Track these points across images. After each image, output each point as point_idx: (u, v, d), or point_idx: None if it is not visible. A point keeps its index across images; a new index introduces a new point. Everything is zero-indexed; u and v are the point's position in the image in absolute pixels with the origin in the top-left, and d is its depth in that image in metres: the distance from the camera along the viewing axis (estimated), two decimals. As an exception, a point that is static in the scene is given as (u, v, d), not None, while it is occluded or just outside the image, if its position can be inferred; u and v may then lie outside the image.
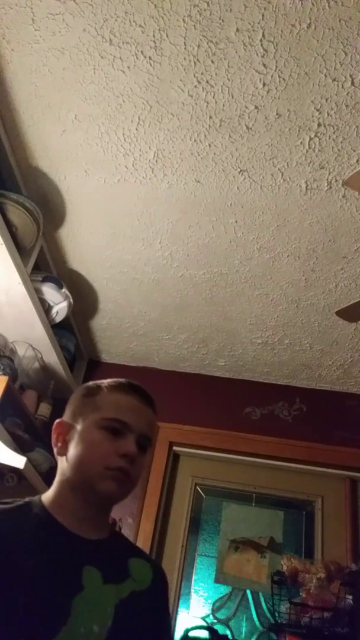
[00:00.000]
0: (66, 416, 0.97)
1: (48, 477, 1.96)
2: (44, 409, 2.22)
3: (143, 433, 0.91)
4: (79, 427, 0.92)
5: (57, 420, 0.96)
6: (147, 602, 0.89)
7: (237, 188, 1.60)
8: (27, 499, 0.90)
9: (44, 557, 0.79)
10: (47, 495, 0.91)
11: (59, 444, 0.93)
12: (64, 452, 0.92)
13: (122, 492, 0.89)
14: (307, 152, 1.45)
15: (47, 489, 0.92)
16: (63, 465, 0.91)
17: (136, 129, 1.48)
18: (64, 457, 0.91)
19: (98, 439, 0.88)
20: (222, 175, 1.57)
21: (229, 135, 1.45)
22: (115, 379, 0.98)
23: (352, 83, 1.27)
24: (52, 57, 1.33)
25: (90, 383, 0.99)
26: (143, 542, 2.16)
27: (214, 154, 1.51)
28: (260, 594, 2.20)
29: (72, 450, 0.90)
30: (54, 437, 0.94)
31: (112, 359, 2.74)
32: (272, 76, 1.28)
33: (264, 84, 1.30)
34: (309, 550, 2.28)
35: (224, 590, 2.23)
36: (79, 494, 0.88)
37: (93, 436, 0.89)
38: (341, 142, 1.41)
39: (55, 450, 0.94)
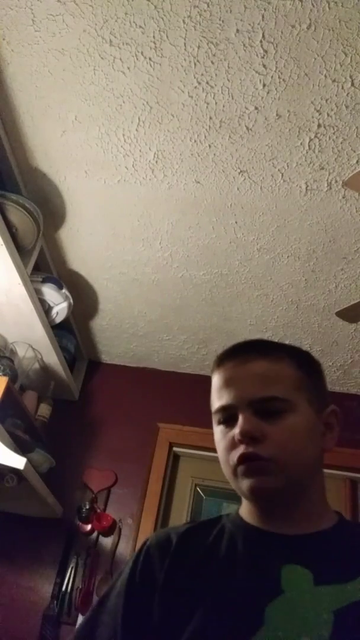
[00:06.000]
0: None
1: (48, 477, 1.97)
2: (44, 410, 2.22)
3: (253, 398, 0.72)
4: None
5: None
6: None
7: (237, 189, 1.61)
8: (226, 514, 0.82)
9: (228, 562, 0.70)
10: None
11: None
12: None
13: (263, 481, 0.70)
14: (307, 153, 1.45)
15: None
16: None
17: (136, 130, 1.48)
18: None
19: (218, 439, 0.77)
20: (222, 176, 1.57)
21: (229, 136, 1.45)
22: None
23: (352, 84, 1.27)
24: (52, 58, 1.33)
25: None
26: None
27: (214, 154, 1.51)
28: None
29: None
30: None
31: (112, 360, 2.74)
32: (272, 77, 1.28)
33: (264, 85, 1.30)
34: (309, 551, 2.28)
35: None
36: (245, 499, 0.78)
37: (215, 438, 0.78)
38: (341, 143, 1.41)
39: None
